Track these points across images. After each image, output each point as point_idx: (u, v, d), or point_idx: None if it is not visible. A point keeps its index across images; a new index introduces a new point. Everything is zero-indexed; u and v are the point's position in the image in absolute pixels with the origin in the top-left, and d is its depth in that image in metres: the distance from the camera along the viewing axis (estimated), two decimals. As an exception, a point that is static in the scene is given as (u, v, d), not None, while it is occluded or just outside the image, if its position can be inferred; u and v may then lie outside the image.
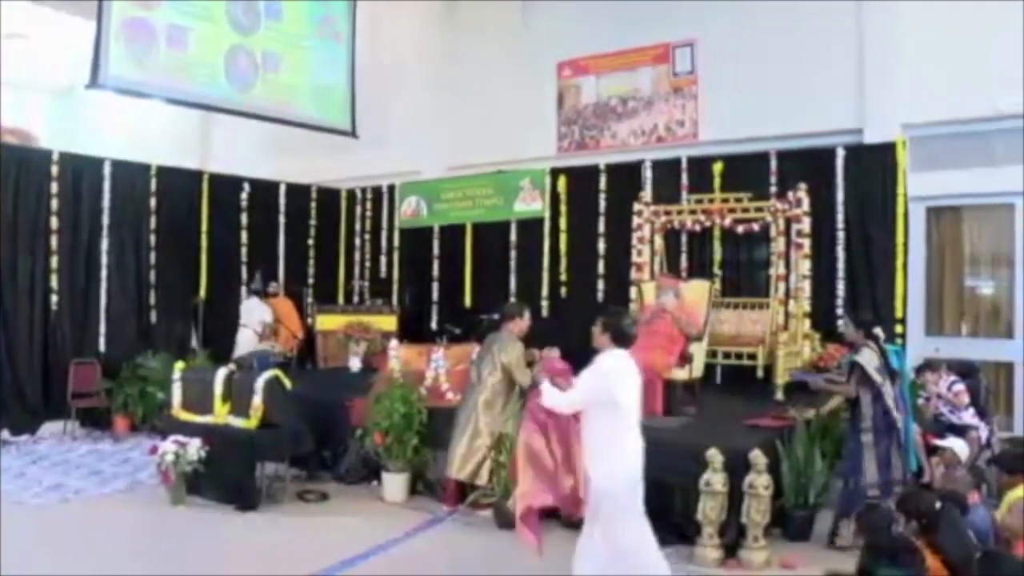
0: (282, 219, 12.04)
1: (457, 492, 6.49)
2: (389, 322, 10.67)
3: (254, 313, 9.98)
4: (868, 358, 5.28)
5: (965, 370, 6.97)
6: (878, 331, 5.47)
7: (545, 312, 10.61)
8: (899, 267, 8.41)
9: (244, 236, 11.47)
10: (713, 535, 5.41)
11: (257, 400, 6.58)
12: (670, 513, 5.70)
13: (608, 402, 4.08)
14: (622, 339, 4.34)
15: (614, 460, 4.09)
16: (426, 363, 7.54)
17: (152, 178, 10.50)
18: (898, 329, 8.25)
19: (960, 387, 6.52)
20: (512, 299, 10.72)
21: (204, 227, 11.02)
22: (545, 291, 10.76)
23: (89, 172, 9.90)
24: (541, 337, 8.99)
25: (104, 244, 9.98)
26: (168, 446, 6.52)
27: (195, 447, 6.50)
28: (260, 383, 6.63)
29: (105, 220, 9.99)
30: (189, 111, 11.37)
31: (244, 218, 11.49)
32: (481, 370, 6.42)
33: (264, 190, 11.77)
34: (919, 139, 8.51)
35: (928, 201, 8.63)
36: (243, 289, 10.99)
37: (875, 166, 8.61)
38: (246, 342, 9.67)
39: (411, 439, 6.74)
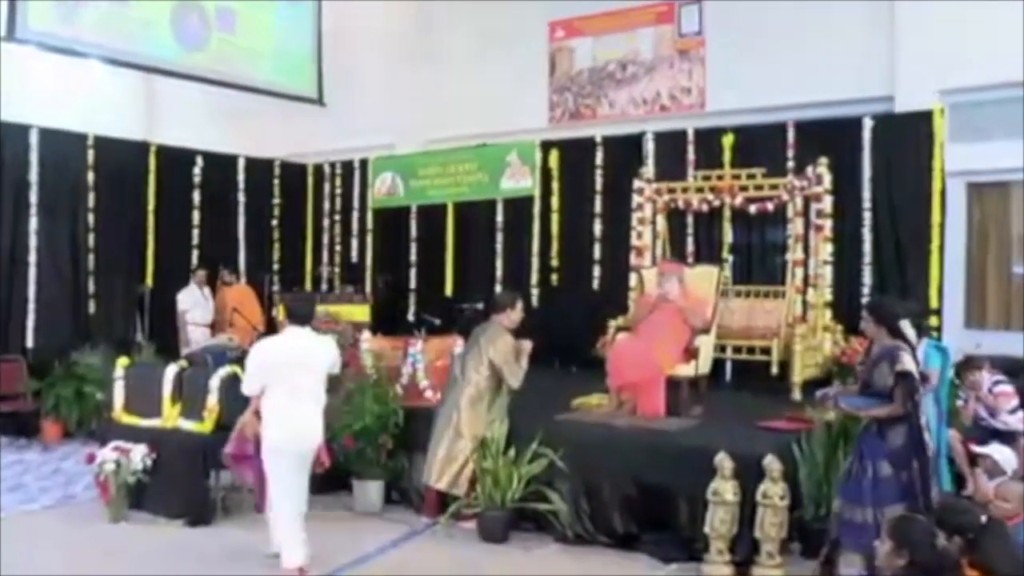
0: (241, 197, 11.97)
1: (437, 502, 6.44)
2: (361, 312, 10.62)
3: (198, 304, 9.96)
4: (912, 365, 4.97)
5: (1011, 368, 6.92)
6: (906, 327, 5.15)
7: (535, 302, 10.61)
8: (934, 251, 8.39)
9: (197, 216, 11.38)
10: (723, 551, 5.37)
11: (212, 400, 6.50)
12: (675, 526, 5.69)
13: (268, 377, 5.26)
14: (295, 318, 5.46)
15: (267, 429, 5.26)
16: (402, 358, 7.47)
17: (89, 149, 10.31)
18: (933, 321, 8.17)
19: (1005, 388, 6.44)
20: (499, 287, 10.70)
21: (151, 206, 10.90)
22: (535, 278, 10.76)
23: (12, 140, 9.66)
24: (530, 330, 8.96)
25: (32, 224, 9.78)
26: (108, 454, 6.41)
27: (139, 454, 6.40)
28: (215, 381, 6.55)
29: (33, 197, 9.79)
30: (132, 73, 11.18)
31: (197, 196, 11.40)
32: (466, 365, 6.37)
33: (220, 164, 11.68)
34: (959, 106, 8.49)
35: (969, 176, 8.60)
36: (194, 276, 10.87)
37: (908, 137, 8.59)
38: (198, 336, 9.59)
39: (385, 442, 6.70)
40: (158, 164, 10.97)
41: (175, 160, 11.19)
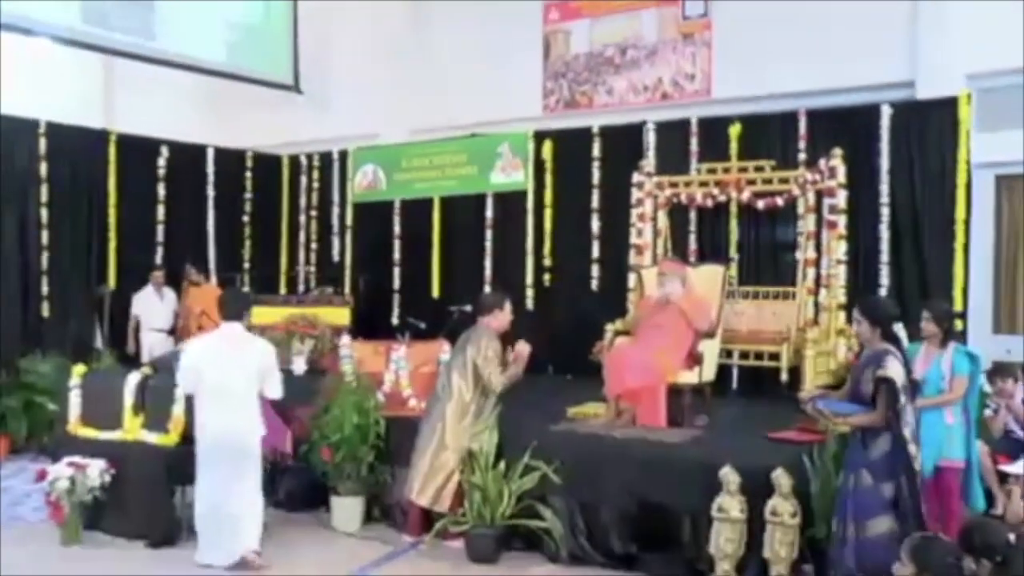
0: (210, 191, 11.93)
1: (421, 519, 6.45)
2: (340, 315, 10.60)
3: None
4: (897, 371, 4.96)
5: None
6: (900, 331, 5.11)
7: (529, 304, 10.61)
8: (959, 249, 8.36)
9: (162, 211, 11.34)
10: (730, 572, 5.37)
11: (178, 410, 6.47)
12: (677, 545, 5.68)
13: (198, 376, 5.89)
14: (227, 312, 6.07)
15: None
16: (385, 364, 7.47)
17: (41, 137, 10.21)
18: (958, 326, 7.99)
19: None
20: (489, 288, 10.69)
21: (111, 200, 10.84)
22: (528, 279, 10.75)
23: (-49, 127, 9.60)
24: (523, 334, 8.91)
25: (-25, 219, 9.72)
26: (61, 470, 6.35)
27: (97, 470, 6.35)
28: (181, 390, 6.44)
29: (-25, 189, 9.73)
30: (90, 55, 11.09)
31: (162, 189, 11.35)
32: (451, 372, 6.35)
33: (187, 155, 11.64)
34: (986, 92, 8.46)
35: (998, 168, 8.57)
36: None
37: (931, 127, 8.57)
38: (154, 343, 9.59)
39: (366, 455, 6.70)
40: (119, 154, 10.90)
41: (138, 150, 11.12)
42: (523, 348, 6.35)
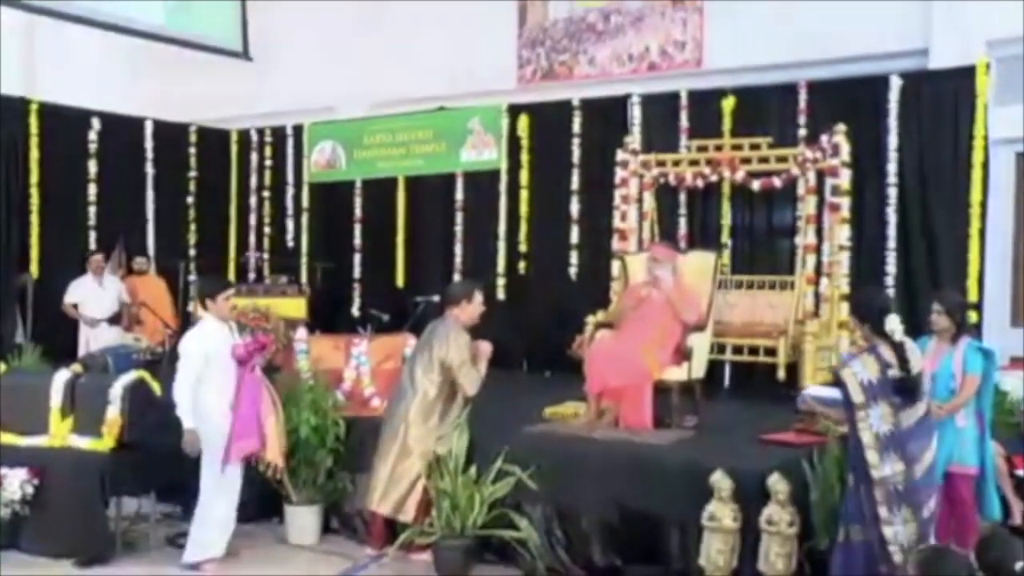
0: (149, 169, 11.90)
1: (385, 530, 6.43)
2: (296, 307, 10.55)
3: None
4: (859, 370, 5.02)
5: None
6: (894, 324, 5.10)
7: (501, 294, 10.65)
8: (974, 235, 8.42)
9: (93, 191, 11.28)
10: (721, 586, 5.39)
11: (113, 412, 6.42)
12: (664, 557, 5.70)
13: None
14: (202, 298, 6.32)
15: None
16: (344, 360, 7.49)
17: (-52, 106, 10.19)
18: (972, 318, 7.96)
19: None
20: (459, 277, 10.71)
21: (34, 178, 10.77)
22: (501, 266, 10.79)
23: None
24: (496, 327, 8.92)
25: None
26: (-26, 483, 6.30)
27: (17, 481, 6.25)
28: (118, 389, 6.47)
29: None
30: (7, 13, 10.88)
31: (93, 166, 11.30)
32: (414, 369, 6.34)
33: (122, 129, 11.59)
34: (1008, 60, 8.49)
35: (1018, 145, 8.62)
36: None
37: (944, 99, 8.63)
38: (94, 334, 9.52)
39: (324, 460, 6.69)
40: (42, 126, 10.80)
41: (64, 122, 11.04)
42: (484, 347, 6.36)
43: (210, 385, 6.06)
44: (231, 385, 6.10)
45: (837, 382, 4.92)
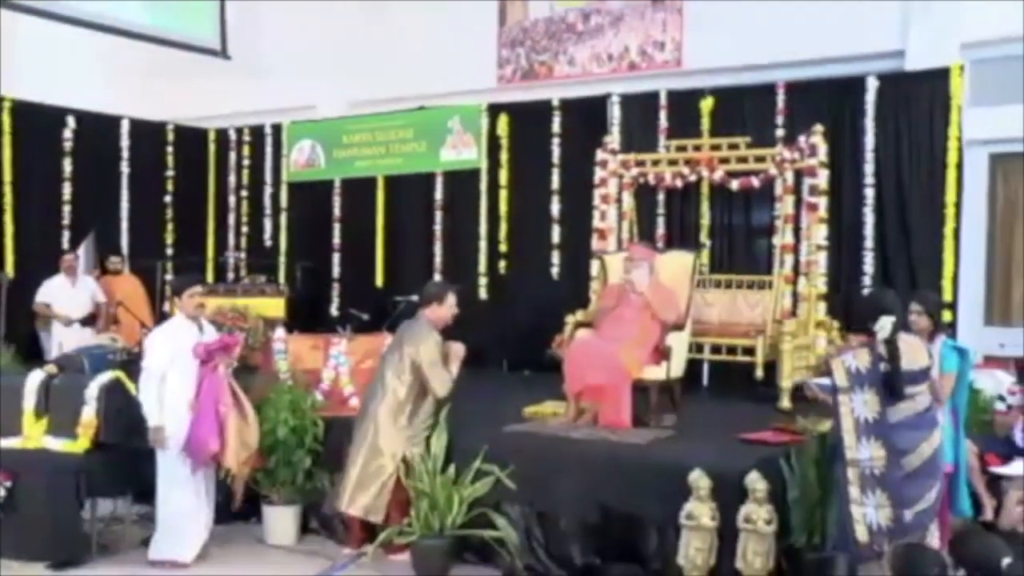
0: (125, 168, 11.86)
1: (364, 530, 6.42)
2: (274, 306, 10.53)
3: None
4: (849, 360, 5.05)
5: None
6: (883, 325, 5.02)
7: (483, 293, 10.68)
8: (949, 235, 8.50)
9: (68, 190, 11.23)
10: (699, 585, 5.40)
11: (89, 412, 6.38)
12: (642, 556, 5.70)
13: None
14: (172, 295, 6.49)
15: None
16: (323, 360, 7.47)
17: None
18: (946, 317, 8.03)
19: None
20: (439, 276, 10.72)
21: (7, 177, 10.73)
22: (482, 266, 10.80)
23: None
24: (475, 325, 8.90)
25: None
26: (-54, 485, 6.24)
27: (-10, 484, 6.26)
28: (93, 389, 6.44)
29: None
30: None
31: (68, 165, 11.25)
32: (385, 370, 6.34)
33: (98, 127, 11.55)
34: (982, 63, 8.57)
35: (993, 146, 8.69)
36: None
37: (920, 100, 8.70)
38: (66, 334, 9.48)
39: (302, 460, 6.68)
40: (15, 124, 10.74)
41: (38, 120, 10.97)
42: (457, 348, 6.35)
43: (173, 383, 6.10)
44: (194, 384, 6.12)
45: (827, 369, 5.06)
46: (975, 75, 8.56)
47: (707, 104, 9.52)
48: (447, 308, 6.42)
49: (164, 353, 6.14)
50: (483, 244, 10.80)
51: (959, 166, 8.52)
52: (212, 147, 12.85)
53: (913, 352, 4.92)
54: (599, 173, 9.13)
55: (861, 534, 4.78)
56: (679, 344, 7.29)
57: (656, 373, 7.03)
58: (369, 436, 6.22)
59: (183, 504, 6.15)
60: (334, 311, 11.55)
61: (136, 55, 11.68)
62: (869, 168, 8.84)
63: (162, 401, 6.05)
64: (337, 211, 11.90)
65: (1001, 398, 6.64)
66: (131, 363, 8.56)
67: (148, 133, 12.09)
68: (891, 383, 4.87)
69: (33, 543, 6.26)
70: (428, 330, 6.31)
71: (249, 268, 12.15)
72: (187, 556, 6.16)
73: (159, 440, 6.04)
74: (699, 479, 5.40)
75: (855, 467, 4.87)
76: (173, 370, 6.13)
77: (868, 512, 4.82)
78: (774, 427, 6.53)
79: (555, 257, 10.30)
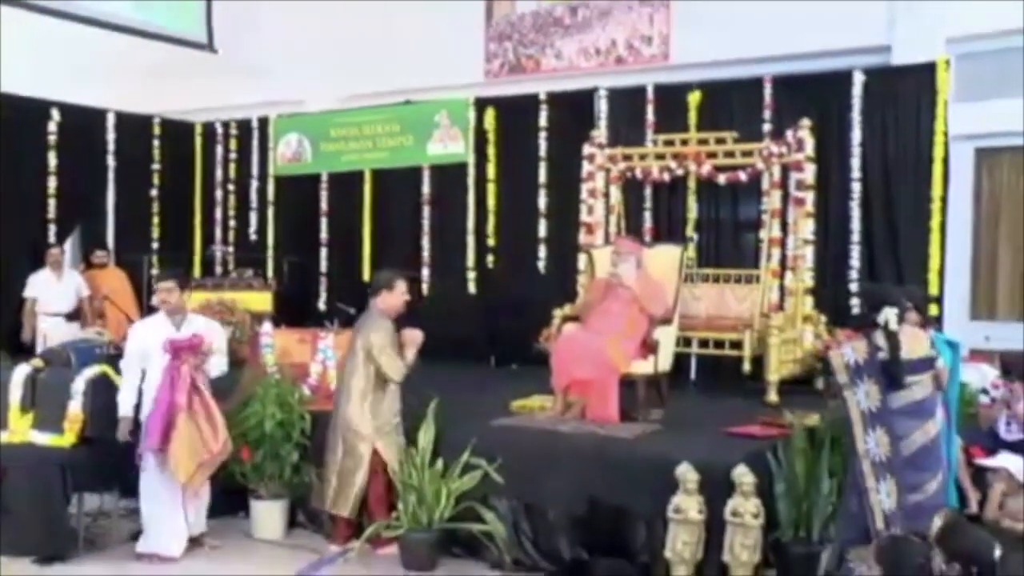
0: (111, 161, 11.76)
1: (351, 524, 6.43)
2: (261, 300, 10.55)
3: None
4: (847, 352, 5.14)
5: None
6: (888, 316, 5.10)
7: (471, 287, 10.67)
8: (935, 229, 8.52)
9: (53, 183, 11.12)
10: (687, 577, 5.41)
11: (75, 407, 6.39)
12: (630, 550, 5.72)
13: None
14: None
15: None
16: (311, 354, 7.51)
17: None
18: (932, 311, 8.12)
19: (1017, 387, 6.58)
20: (427, 270, 10.82)
21: (-10, 169, 10.61)
22: (470, 260, 10.78)
23: None
24: (464, 319, 8.90)
25: None
26: (-70, 479, 6.22)
27: (-26, 478, 6.23)
28: (80, 383, 6.46)
29: None
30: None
31: (53, 158, 11.14)
32: (347, 364, 6.41)
33: (83, 121, 11.45)
34: (968, 57, 8.59)
35: (978, 140, 8.74)
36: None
37: (906, 95, 8.70)
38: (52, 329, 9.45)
39: (289, 455, 6.69)
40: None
41: (23, 113, 10.84)
42: (414, 335, 6.34)
43: (150, 377, 6.21)
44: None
45: (825, 363, 5.18)
46: (961, 70, 8.58)
47: (694, 98, 9.51)
48: (397, 296, 6.42)
49: (135, 346, 6.26)
50: (470, 238, 10.78)
51: (945, 160, 8.53)
52: (199, 141, 12.78)
53: (913, 342, 5.00)
54: (586, 167, 9.12)
55: (879, 521, 4.88)
56: (667, 338, 7.30)
57: (644, 367, 7.04)
58: (339, 434, 6.31)
59: (165, 497, 6.16)
60: (321, 305, 11.52)
61: (123, 49, 11.61)
62: (856, 163, 8.85)
63: (144, 394, 6.14)
64: (324, 205, 11.86)
65: (985, 391, 6.67)
66: (117, 357, 8.54)
67: (134, 127, 12.01)
68: (891, 372, 4.96)
69: (19, 538, 6.24)
70: (379, 318, 6.33)
71: (236, 262, 12.07)
72: (174, 550, 6.16)
73: (122, 432, 6.15)
74: (686, 473, 5.42)
75: (867, 458, 4.97)
76: (151, 365, 6.19)
77: (883, 499, 4.94)
78: (761, 421, 6.55)
79: (542, 251, 10.30)
